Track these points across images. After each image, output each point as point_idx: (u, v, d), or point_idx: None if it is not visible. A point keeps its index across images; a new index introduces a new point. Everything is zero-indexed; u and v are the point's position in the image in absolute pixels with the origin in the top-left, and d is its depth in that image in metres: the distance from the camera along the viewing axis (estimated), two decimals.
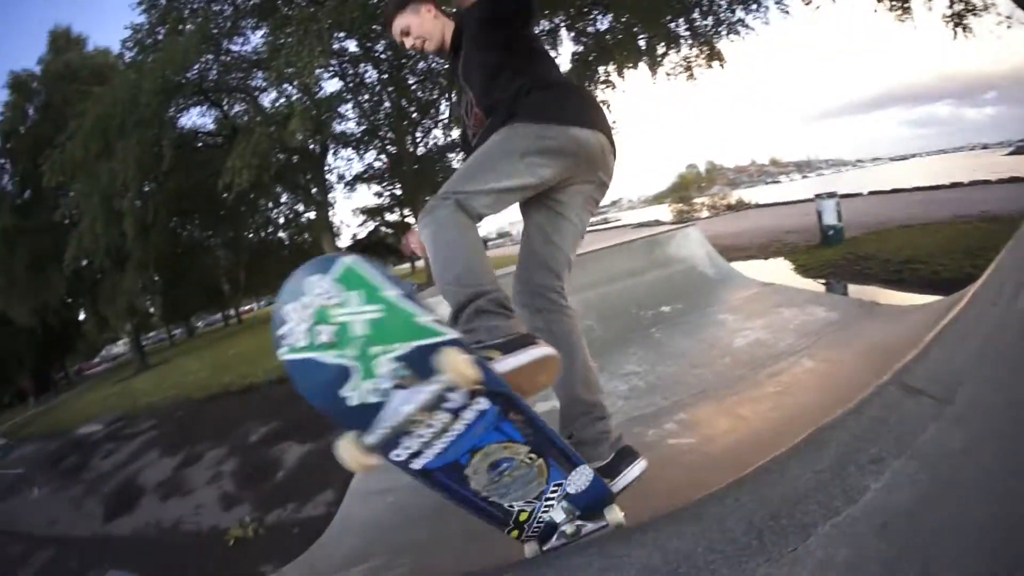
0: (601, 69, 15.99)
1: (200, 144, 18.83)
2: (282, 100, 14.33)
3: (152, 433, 10.40)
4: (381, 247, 40.03)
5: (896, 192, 18.34)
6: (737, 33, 14.88)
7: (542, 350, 1.45)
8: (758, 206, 24.04)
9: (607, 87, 16.45)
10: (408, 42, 2.10)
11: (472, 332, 1.51)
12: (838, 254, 8.92)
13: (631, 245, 6.79)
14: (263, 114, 15.04)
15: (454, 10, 2.12)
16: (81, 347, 38.75)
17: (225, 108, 18.05)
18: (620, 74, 15.93)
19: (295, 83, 13.38)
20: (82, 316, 29.13)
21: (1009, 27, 10.60)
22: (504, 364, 1.37)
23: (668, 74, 15.99)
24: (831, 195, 10.26)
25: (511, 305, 1.65)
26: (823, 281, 7.79)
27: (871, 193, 19.31)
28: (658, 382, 4.01)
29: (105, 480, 8.00)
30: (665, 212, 28.50)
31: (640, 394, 3.88)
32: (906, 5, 11.53)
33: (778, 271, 8.94)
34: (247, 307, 57.26)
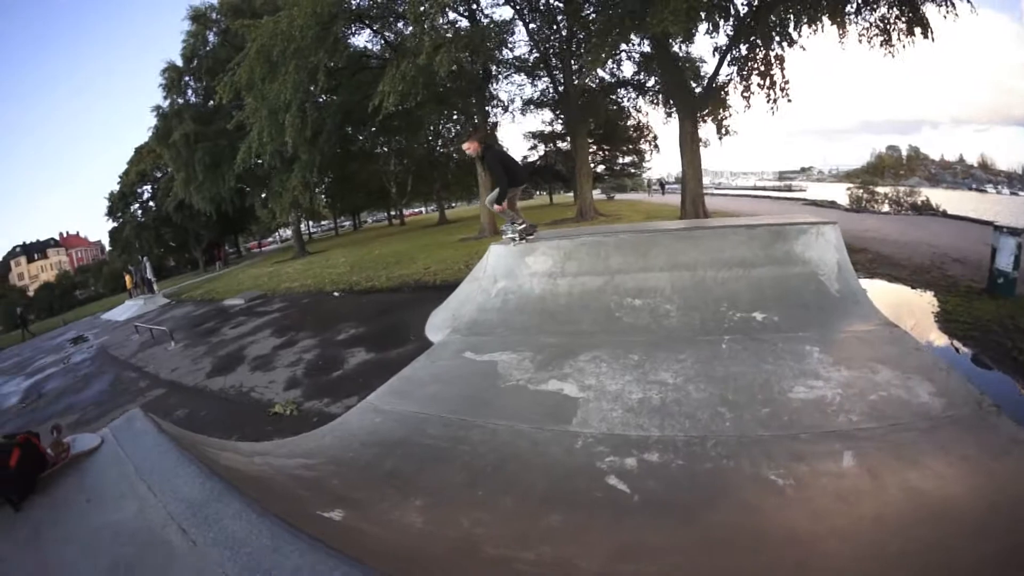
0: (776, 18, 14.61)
1: (372, 63, 20.33)
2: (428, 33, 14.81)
3: (276, 315, 11.94)
4: (549, 172, 40.84)
5: None
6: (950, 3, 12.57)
7: None
8: (946, 215, 20.60)
9: (784, 42, 15.12)
10: (467, 151, 6.75)
11: None
12: (997, 313, 6.72)
13: (752, 231, 6.06)
14: (412, 43, 15.71)
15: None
16: (255, 228, 45.62)
17: (384, 34, 19.32)
18: (797, 28, 14.36)
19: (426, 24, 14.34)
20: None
21: None
22: None
23: (860, 36, 13.97)
24: (1014, 231, 7.56)
25: None
26: (955, 345, 5.83)
27: None
28: (662, 406, 3.62)
29: (223, 346, 9.48)
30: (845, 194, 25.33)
31: (633, 411, 3.61)
32: None
33: (917, 308, 7.32)
34: (416, 210, 61.78)
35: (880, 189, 24.27)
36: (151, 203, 45.05)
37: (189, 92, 29.56)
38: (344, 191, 32.95)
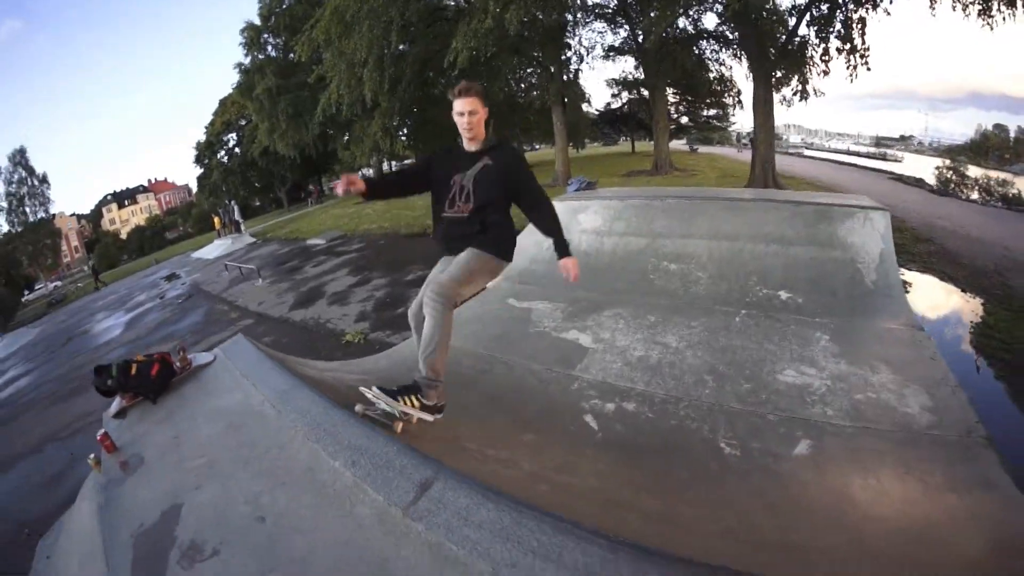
0: None
1: (447, 14, 20.96)
2: None
3: (354, 255, 13.09)
4: (632, 120, 40.36)
5: None
6: None
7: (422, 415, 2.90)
8: None
9: (868, 5, 14.37)
10: (463, 120, 3.02)
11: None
12: None
13: (798, 208, 5.98)
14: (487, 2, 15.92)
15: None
16: (338, 168, 47.93)
17: None
18: None
19: None
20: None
21: None
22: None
23: (955, 3, 13.03)
24: None
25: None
26: (978, 364, 5.55)
27: None
28: (657, 366, 4.04)
29: (305, 283, 10.72)
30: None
31: (630, 365, 4.09)
32: None
33: (957, 314, 7.02)
34: None
35: (972, 172, 22.15)
36: (236, 150, 48.37)
37: (269, 48, 31.81)
38: (426, 134, 34.07)
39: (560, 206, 7.02)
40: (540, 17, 17.84)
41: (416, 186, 3.25)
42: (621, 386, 3.82)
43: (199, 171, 52.29)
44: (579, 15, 22.07)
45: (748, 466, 2.96)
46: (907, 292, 6.18)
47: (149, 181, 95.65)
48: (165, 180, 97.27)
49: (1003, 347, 5.77)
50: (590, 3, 21.83)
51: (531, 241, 7.13)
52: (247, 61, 32.54)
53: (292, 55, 25.71)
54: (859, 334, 4.62)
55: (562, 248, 3.24)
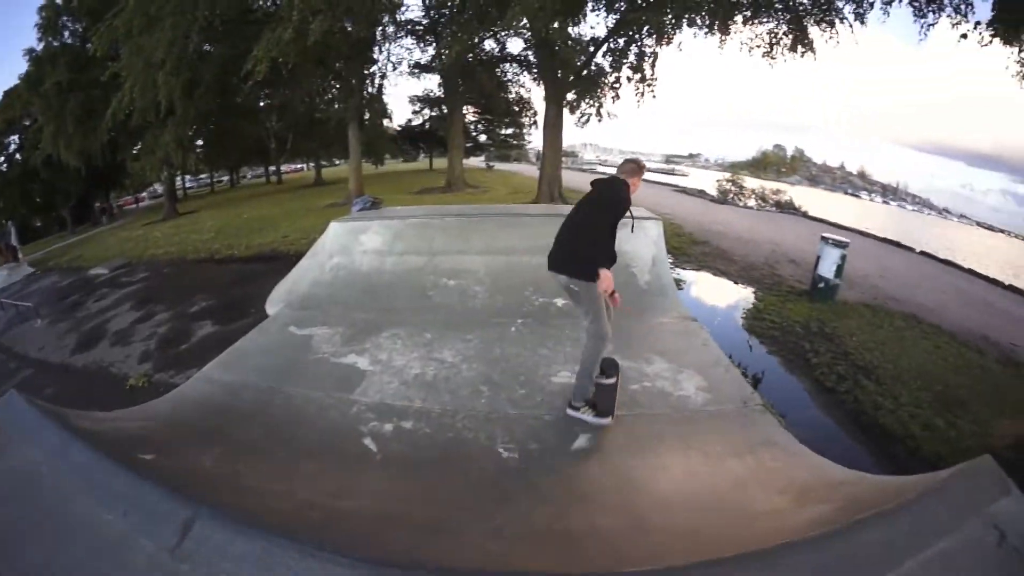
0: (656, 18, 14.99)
1: (257, 15, 19.62)
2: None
3: (139, 285, 12.07)
4: (432, 138, 40.85)
5: (947, 265, 16.08)
6: (831, 24, 13.86)
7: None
8: (806, 216, 22.32)
9: (661, 40, 15.81)
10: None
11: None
12: (807, 316, 7.31)
13: None
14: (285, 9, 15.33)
15: None
16: (128, 183, 42.91)
17: None
18: (677, 24, 14.88)
19: None
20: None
21: None
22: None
23: (743, 44, 15.06)
24: (839, 244, 8.41)
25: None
26: (750, 343, 6.31)
27: (922, 253, 17.15)
28: (433, 382, 4.26)
29: (88, 320, 9.71)
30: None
31: (407, 384, 4.26)
32: None
33: (734, 303, 7.90)
34: (297, 167, 60.19)
35: (748, 184, 25.77)
36: (17, 156, 40.98)
37: (66, 34, 26.91)
38: (224, 147, 31.87)
39: (341, 227, 7.19)
40: (349, 29, 17.52)
41: None
42: (398, 405, 3.99)
43: None
44: (390, 30, 22.00)
45: (525, 466, 3.21)
46: (681, 289, 7.03)
47: None
48: None
49: (773, 326, 6.77)
50: (401, 19, 21.94)
51: (313, 263, 7.15)
52: (40, 48, 27.42)
53: (89, 45, 22.55)
54: (633, 331, 5.09)
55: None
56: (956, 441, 4.27)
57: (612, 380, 3.73)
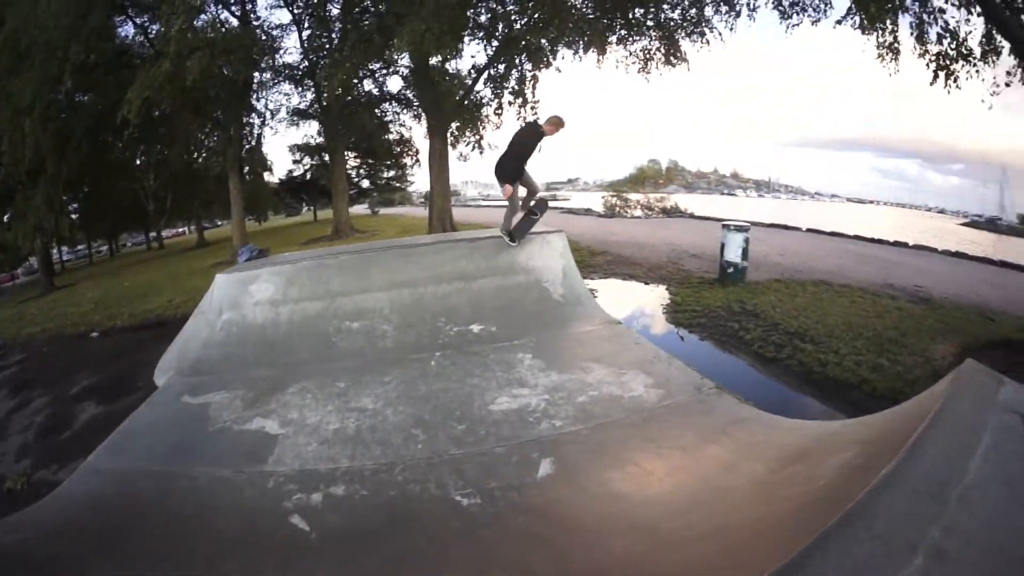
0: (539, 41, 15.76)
1: (135, 61, 18.30)
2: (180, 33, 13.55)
3: (14, 369, 10.82)
4: (314, 188, 39.97)
5: (835, 235, 17.53)
6: (702, 35, 14.84)
7: None
8: (692, 216, 23.96)
9: (541, 64, 16.36)
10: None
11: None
12: (725, 299, 7.83)
13: (475, 244, 6.43)
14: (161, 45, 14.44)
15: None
16: (3, 259, 39.10)
17: (147, 28, 17.76)
18: (554, 46, 15.75)
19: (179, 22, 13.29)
20: None
21: (994, 94, 10.36)
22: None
23: (619, 62, 15.80)
24: (740, 228, 9.02)
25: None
26: (680, 334, 6.74)
27: (809, 230, 18.73)
28: (357, 435, 3.78)
29: None
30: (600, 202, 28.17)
31: (327, 442, 3.73)
32: (895, 53, 11.66)
33: (647, 303, 8.26)
34: (179, 230, 57.29)
35: (632, 196, 27.73)
36: None
37: None
38: (98, 208, 29.37)
39: (228, 279, 6.62)
40: (227, 72, 16.84)
41: None
42: (323, 469, 3.48)
43: None
44: (268, 75, 21.43)
45: (492, 509, 2.84)
46: (596, 297, 7.06)
47: None
48: None
49: (697, 314, 7.21)
50: (279, 64, 21.37)
51: (201, 323, 6.54)
52: None
53: None
54: (561, 344, 4.98)
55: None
56: (905, 373, 4.90)
57: (536, 216, 6.50)
